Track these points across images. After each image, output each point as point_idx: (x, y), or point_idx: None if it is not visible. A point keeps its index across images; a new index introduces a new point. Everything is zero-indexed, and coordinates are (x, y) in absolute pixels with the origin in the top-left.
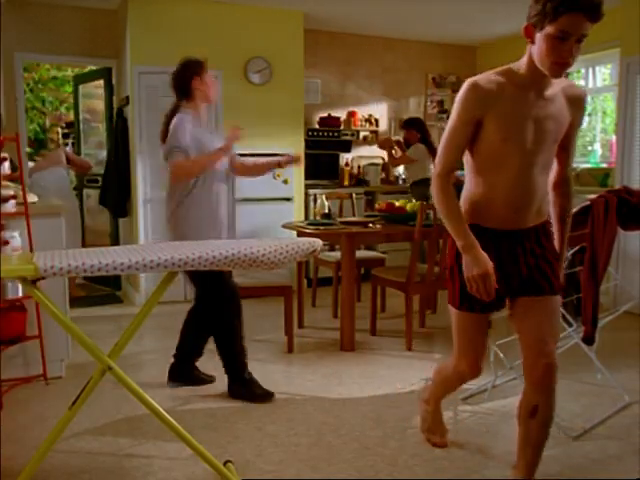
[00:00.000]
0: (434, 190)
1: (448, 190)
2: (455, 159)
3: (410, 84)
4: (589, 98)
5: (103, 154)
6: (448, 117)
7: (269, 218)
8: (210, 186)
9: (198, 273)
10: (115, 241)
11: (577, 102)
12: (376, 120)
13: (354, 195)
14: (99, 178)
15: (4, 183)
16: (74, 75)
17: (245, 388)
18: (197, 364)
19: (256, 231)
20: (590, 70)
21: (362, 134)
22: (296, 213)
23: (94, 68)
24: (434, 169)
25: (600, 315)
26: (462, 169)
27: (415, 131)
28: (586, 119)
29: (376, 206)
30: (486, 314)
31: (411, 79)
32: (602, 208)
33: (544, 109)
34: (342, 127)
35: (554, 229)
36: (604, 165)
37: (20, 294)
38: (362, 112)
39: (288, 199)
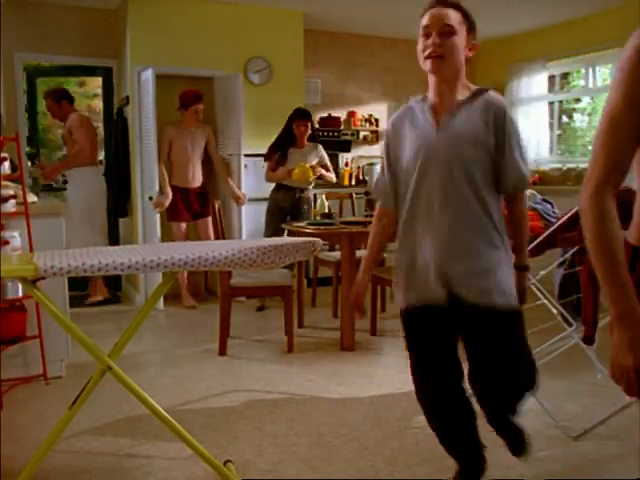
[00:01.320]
0: (584, 214)
1: (608, 215)
2: (622, 163)
3: (410, 84)
4: (589, 98)
5: (103, 154)
6: None
7: None
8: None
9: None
10: (115, 241)
11: None
12: (376, 120)
13: (354, 195)
14: None
15: (4, 183)
16: (25, 66)
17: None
18: None
19: (256, 231)
20: (590, 70)
21: (362, 134)
22: None
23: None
24: (585, 181)
25: (600, 315)
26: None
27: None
28: (586, 119)
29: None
30: None
31: (411, 79)
32: None
33: None
34: (342, 127)
35: None
36: None
37: (20, 294)
38: (362, 112)
39: None
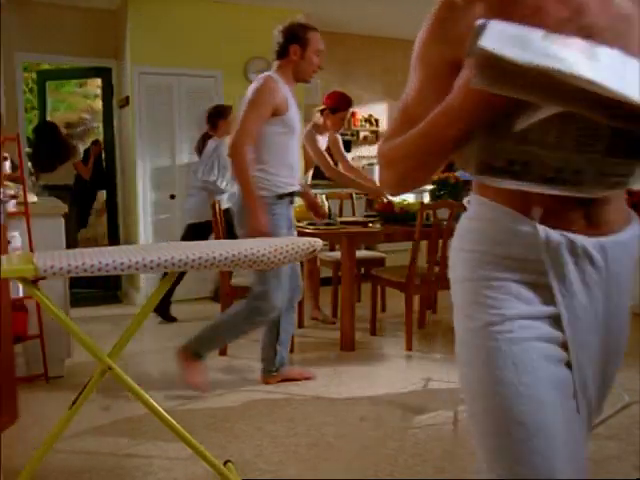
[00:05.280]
0: None
1: None
2: None
3: None
4: None
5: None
6: None
7: None
8: None
9: None
10: (115, 241)
11: None
12: (376, 120)
13: (354, 195)
14: None
15: (5, 183)
16: (38, 71)
17: None
18: None
19: None
20: None
21: (362, 134)
22: None
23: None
24: None
25: None
26: (458, 168)
27: None
28: None
29: (376, 206)
30: None
31: None
32: None
33: None
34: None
35: None
36: None
37: (21, 294)
38: (362, 112)
39: None
